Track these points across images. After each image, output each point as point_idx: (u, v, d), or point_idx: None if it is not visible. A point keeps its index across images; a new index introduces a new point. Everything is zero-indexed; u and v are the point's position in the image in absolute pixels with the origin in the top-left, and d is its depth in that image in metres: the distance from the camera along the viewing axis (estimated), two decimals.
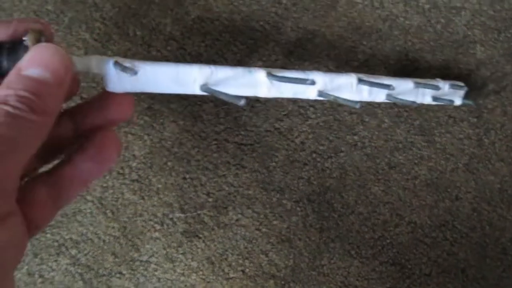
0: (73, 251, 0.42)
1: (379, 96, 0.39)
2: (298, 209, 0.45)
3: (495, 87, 0.47)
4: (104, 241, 0.42)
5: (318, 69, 0.43)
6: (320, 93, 0.36)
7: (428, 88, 0.41)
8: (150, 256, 0.43)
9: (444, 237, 0.48)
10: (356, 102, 0.36)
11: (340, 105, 0.44)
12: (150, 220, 0.43)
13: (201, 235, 0.43)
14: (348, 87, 0.37)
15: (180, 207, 0.43)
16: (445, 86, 0.42)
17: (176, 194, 0.43)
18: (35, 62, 0.25)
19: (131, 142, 0.42)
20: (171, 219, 0.43)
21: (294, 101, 0.44)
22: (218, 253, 0.44)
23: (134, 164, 0.42)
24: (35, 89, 0.25)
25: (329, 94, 0.36)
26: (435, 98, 0.42)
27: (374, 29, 0.44)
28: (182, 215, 0.43)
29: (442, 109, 0.46)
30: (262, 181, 0.44)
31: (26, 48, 0.26)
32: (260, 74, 0.34)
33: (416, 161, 0.46)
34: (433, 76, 0.44)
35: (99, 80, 0.41)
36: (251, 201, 0.44)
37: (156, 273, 0.43)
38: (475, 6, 0.45)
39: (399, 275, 0.47)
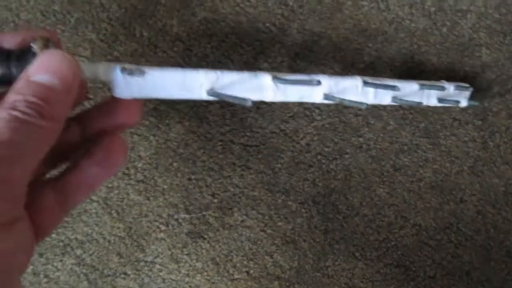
0: (78, 251, 0.42)
1: (385, 98, 0.39)
2: (303, 210, 0.45)
3: (500, 90, 0.47)
4: (109, 241, 0.42)
5: (324, 71, 0.43)
6: (326, 96, 0.36)
7: (433, 89, 0.41)
8: (155, 257, 0.43)
9: (449, 240, 0.48)
10: (363, 103, 0.36)
11: (345, 107, 0.44)
12: (155, 220, 0.43)
13: (206, 236, 0.44)
14: (353, 90, 0.37)
15: (185, 208, 0.43)
16: (450, 88, 0.42)
17: (182, 195, 0.43)
18: (43, 68, 0.26)
19: (137, 143, 0.42)
20: (176, 220, 0.43)
21: (299, 103, 0.44)
22: (223, 254, 0.44)
23: (140, 165, 0.42)
24: (43, 95, 0.25)
25: (334, 97, 0.36)
26: (440, 100, 0.42)
27: (380, 32, 0.44)
28: (187, 216, 0.43)
29: (447, 111, 0.46)
30: (267, 182, 0.44)
31: (34, 55, 0.27)
32: (265, 78, 0.34)
33: (421, 164, 0.46)
34: (439, 79, 0.44)
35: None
36: (256, 203, 0.44)
37: (161, 273, 0.43)
38: (481, 9, 0.46)
39: (404, 277, 0.47)
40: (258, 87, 0.34)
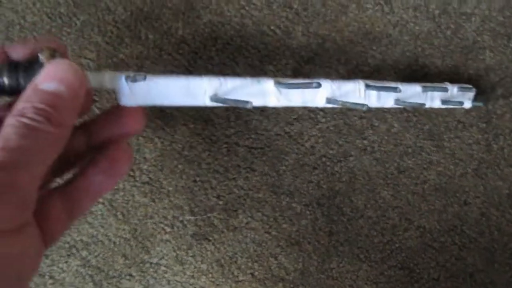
0: (84, 253, 0.42)
1: (388, 101, 0.39)
2: (308, 212, 0.45)
3: (505, 92, 0.47)
4: (114, 243, 0.42)
5: (328, 73, 0.43)
6: (329, 100, 0.36)
7: (436, 91, 0.41)
8: (160, 258, 0.43)
9: (453, 242, 0.48)
10: (363, 104, 0.37)
11: (350, 109, 0.44)
12: (161, 222, 0.43)
13: (211, 238, 0.44)
14: (356, 93, 0.37)
15: (190, 209, 0.43)
16: (453, 89, 0.42)
17: (187, 197, 0.43)
18: (50, 77, 0.26)
19: (142, 145, 0.42)
20: (181, 221, 0.43)
21: None
22: (227, 256, 0.44)
23: (145, 167, 0.42)
24: (51, 102, 0.26)
25: (337, 101, 0.36)
26: (444, 101, 0.42)
27: (384, 34, 0.44)
28: (192, 218, 0.43)
29: (451, 114, 0.46)
30: (272, 184, 0.44)
31: (41, 65, 0.27)
32: (268, 84, 0.35)
33: (425, 166, 0.47)
34: (443, 82, 0.44)
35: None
36: (261, 204, 0.44)
37: (166, 275, 0.43)
38: (485, 12, 0.46)
39: (408, 279, 0.47)
40: (261, 92, 0.35)
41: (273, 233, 0.45)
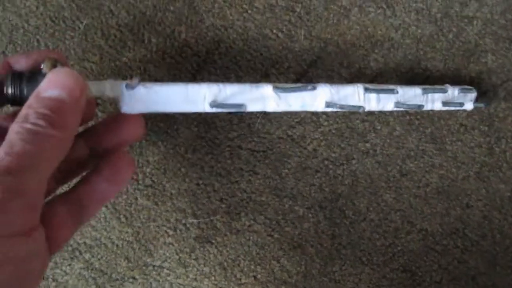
0: (87, 256, 0.42)
1: (388, 104, 0.40)
2: (310, 215, 0.45)
3: (507, 96, 0.47)
4: (117, 246, 0.43)
5: (331, 76, 0.44)
6: (328, 104, 0.37)
7: (437, 93, 0.41)
8: (163, 261, 0.43)
9: (455, 245, 0.48)
10: (360, 106, 0.37)
11: (352, 113, 0.44)
12: (163, 225, 0.43)
13: (213, 241, 0.44)
14: (355, 97, 0.38)
15: (193, 212, 0.43)
16: (454, 91, 0.43)
17: (189, 200, 0.43)
18: (52, 84, 0.27)
19: (145, 148, 0.42)
20: (184, 224, 0.43)
21: None
22: (230, 258, 0.44)
23: (148, 170, 0.42)
24: (53, 107, 0.26)
25: (336, 104, 0.37)
26: (445, 103, 0.42)
27: (387, 38, 0.45)
28: (195, 221, 0.43)
29: (453, 117, 0.46)
30: (275, 187, 0.44)
31: (43, 75, 0.28)
32: (267, 88, 0.35)
33: (427, 169, 0.47)
34: (444, 84, 0.44)
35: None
36: (264, 208, 0.44)
37: (168, 278, 0.44)
38: (487, 15, 0.46)
39: (410, 282, 0.47)
40: (260, 97, 0.36)
41: (276, 236, 0.45)
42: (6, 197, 0.23)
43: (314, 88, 0.36)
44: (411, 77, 0.46)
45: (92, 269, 0.43)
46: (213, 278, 0.44)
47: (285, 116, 0.44)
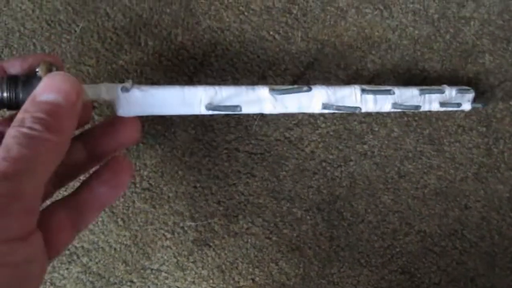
0: (84, 259, 0.42)
1: (386, 105, 0.40)
2: (308, 217, 0.45)
3: (504, 96, 0.47)
4: (115, 249, 0.42)
5: (328, 78, 0.43)
6: (325, 106, 0.37)
7: (434, 93, 0.41)
8: (161, 265, 0.43)
9: (453, 246, 0.48)
10: (356, 107, 0.37)
11: (349, 114, 0.44)
12: (161, 228, 0.43)
13: (211, 244, 0.44)
14: (352, 98, 0.38)
15: (191, 215, 0.43)
16: (452, 91, 0.42)
17: (187, 203, 0.43)
18: (48, 88, 0.27)
19: (143, 151, 0.42)
20: (182, 227, 0.43)
21: None
22: (228, 261, 0.44)
23: (145, 173, 0.42)
24: (49, 111, 0.26)
25: (333, 106, 0.37)
26: (443, 104, 0.42)
27: (384, 39, 0.44)
28: (193, 224, 0.43)
29: (451, 118, 0.46)
30: (272, 190, 0.44)
31: (39, 79, 0.29)
32: (263, 91, 0.35)
33: (425, 170, 0.47)
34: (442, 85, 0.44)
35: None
36: (261, 210, 0.44)
37: (167, 281, 0.43)
38: (484, 16, 0.46)
39: (408, 284, 0.47)
40: (257, 99, 0.36)
41: (274, 238, 0.45)
42: (3, 202, 0.23)
43: (310, 90, 0.36)
44: (408, 78, 0.45)
45: (90, 273, 0.42)
46: (211, 281, 0.44)
47: (282, 118, 0.43)
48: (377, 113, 0.45)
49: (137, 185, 0.42)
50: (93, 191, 0.31)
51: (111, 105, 0.34)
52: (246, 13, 0.42)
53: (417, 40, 0.45)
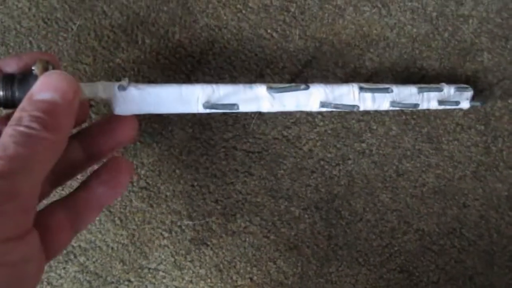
0: (82, 259, 0.42)
1: (384, 103, 0.39)
2: (306, 216, 0.45)
3: (503, 94, 0.47)
4: (112, 248, 0.42)
5: (326, 76, 0.43)
6: (323, 104, 0.37)
7: (433, 91, 0.41)
8: (159, 264, 0.43)
9: (452, 245, 0.48)
10: (354, 105, 0.37)
11: (348, 113, 0.44)
12: (159, 227, 0.43)
13: (209, 243, 0.43)
14: (350, 96, 0.38)
15: (188, 214, 0.43)
16: (450, 89, 0.42)
17: (185, 202, 0.43)
18: (44, 87, 0.27)
19: (140, 150, 0.42)
20: (180, 226, 0.43)
21: None
22: (226, 260, 0.44)
23: (143, 172, 0.42)
24: (46, 109, 0.26)
25: (331, 104, 0.37)
26: (441, 102, 0.42)
27: (382, 37, 0.44)
28: (191, 223, 0.43)
29: (449, 116, 0.46)
30: (270, 188, 0.44)
31: (35, 77, 0.29)
32: (260, 89, 0.35)
33: (423, 169, 0.46)
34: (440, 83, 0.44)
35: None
36: (259, 209, 0.44)
37: (164, 280, 0.43)
38: (483, 14, 0.46)
39: (407, 282, 0.47)
40: (254, 98, 0.35)
41: (272, 237, 0.44)
42: None
43: (307, 88, 0.36)
44: (406, 77, 0.45)
45: (87, 272, 0.42)
46: (209, 280, 0.44)
47: (280, 117, 0.43)
48: (375, 111, 0.45)
49: (135, 184, 0.42)
50: (92, 191, 0.31)
51: (108, 104, 0.34)
52: (243, 11, 0.42)
53: (415, 38, 0.45)
